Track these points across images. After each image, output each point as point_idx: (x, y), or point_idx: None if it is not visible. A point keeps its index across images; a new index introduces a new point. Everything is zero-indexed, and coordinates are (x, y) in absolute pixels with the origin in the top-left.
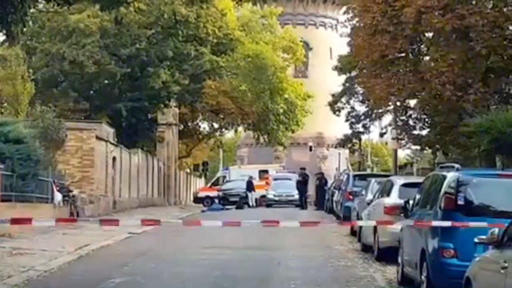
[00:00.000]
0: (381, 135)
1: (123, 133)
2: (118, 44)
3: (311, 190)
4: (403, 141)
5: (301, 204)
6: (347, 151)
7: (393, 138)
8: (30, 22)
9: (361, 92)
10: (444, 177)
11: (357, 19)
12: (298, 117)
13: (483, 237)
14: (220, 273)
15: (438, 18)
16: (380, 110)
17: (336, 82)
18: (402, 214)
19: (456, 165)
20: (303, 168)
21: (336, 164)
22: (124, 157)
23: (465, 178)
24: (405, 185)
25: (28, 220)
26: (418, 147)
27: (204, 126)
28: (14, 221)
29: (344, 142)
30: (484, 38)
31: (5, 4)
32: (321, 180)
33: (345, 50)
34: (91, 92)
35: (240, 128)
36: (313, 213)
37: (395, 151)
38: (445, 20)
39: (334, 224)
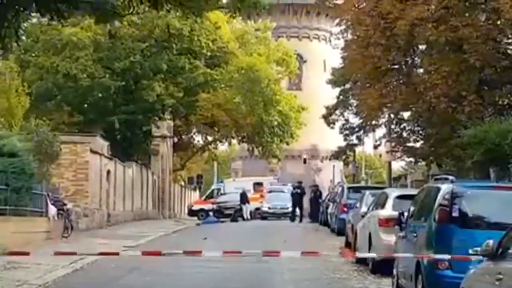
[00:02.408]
0: (375, 147)
1: (117, 146)
2: (112, 57)
3: (305, 203)
4: (397, 153)
5: (293, 216)
6: (341, 163)
7: (387, 152)
8: (24, 36)
9: (355, 104)
10: (439, 189)
11: (350, 31)
12: (292, 129)
13: (478, 248)
14: (215, 285)
15: (431, 30)
16: (374, 122)
17: (331, 94)
18: (396, 226)
19: (451, 177)
20: (300, 182)
21: (330, 176)
22: (119, 170)
23: (460, 190)
24: (399, 197)
25: (26, 253)
26: (412, 159)
27: (198, 139)
28: (12, 253)
29: (338, 154)
30: (478, 50)
31: (0, 18)
32: (316, 192)
33: (339, 62)
34: (85, 105)
35: (234, 141)
36: (307, 226)
37: (389, 163)
38: (438, 33)
39: (336, 251)
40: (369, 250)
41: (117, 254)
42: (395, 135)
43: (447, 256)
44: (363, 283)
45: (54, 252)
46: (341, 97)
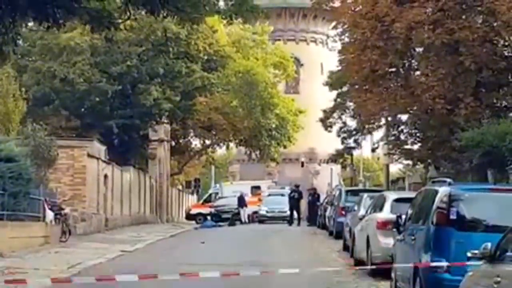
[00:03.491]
0: (373, 150)
1: (114, 150)
2: (109, 61)
3: (303, 206)
4: (395, 156)
5: (290, 219)
6: (339, 166)
7: (385, 154)
8: (21, 41)
9: (352, 107)
10: (436, 192)
11: (347, 34)
12: (290, 132)
13: (476, 251)
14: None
15: (428, 33)
16: (371, 125)
17: (328, 98)
18: (394, 229)
19: (448, 180)
20: (297, 186)
21: (328, 179)
22: (116, 174)
23: (457, 192)
24: (397, 200)
25: (23, 281)
26: (410, 162)
27: (196, 143)
28: (8, 281)
29: (336, 158)
30: (474, 52)
31: None
32: (314, 195)
33: (335, 65)
34: (83, 109)
35: (232, 144)
36: (305, 229)
37: (387, 166)
38: (435, 35)
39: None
40: (367, 253)
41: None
42: (393, 137)
43: (444, 264)
44: (361, 286)
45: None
46: (338, 100)
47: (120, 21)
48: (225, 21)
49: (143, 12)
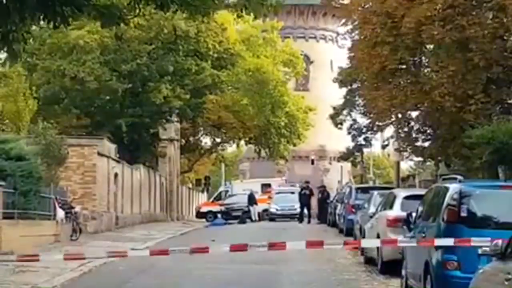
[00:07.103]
0: (383, 147)
1: (124, 149)
2: (119, 60)
3: (313, 203)
4: (405, 153)
5: (301, 217)
6: (349, 164)
7: (395, 149)
8: (31, 39)
9: (362, 104)
10: (447, 189)
11: (357, 31)
12: (299, 130)
13: (487, 248)
14: (224, 287)
15: (438, 29)
16: (382, 123)
17: (338, 95)
18: (404, 227)
19: (459, 177)
20: (307, 182)
21: (338, 177)
22: (126, 173)
23: (468, 190)
24: (407, 197)
25: (35, 256)
26: (420, 159)
27: (206, 141)
28: (21, 257)
29: (346, 155)
30: (484, 49)
31: (6, 22)
32: (324, 193)
33: (345, 62)
34: (93, 108)
35: (242, 142)
36: (316, 227)
37: (398, 163)
38: (445, 32)
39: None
40: (378, 250)
41: (125, 255)
42: (403, 134)
43: (450, 241)
44: (371, 284)
45: (64, 256)
46: (348, 97)
47: (129, 17)
48: (234, 17)
49: (152, 10)
